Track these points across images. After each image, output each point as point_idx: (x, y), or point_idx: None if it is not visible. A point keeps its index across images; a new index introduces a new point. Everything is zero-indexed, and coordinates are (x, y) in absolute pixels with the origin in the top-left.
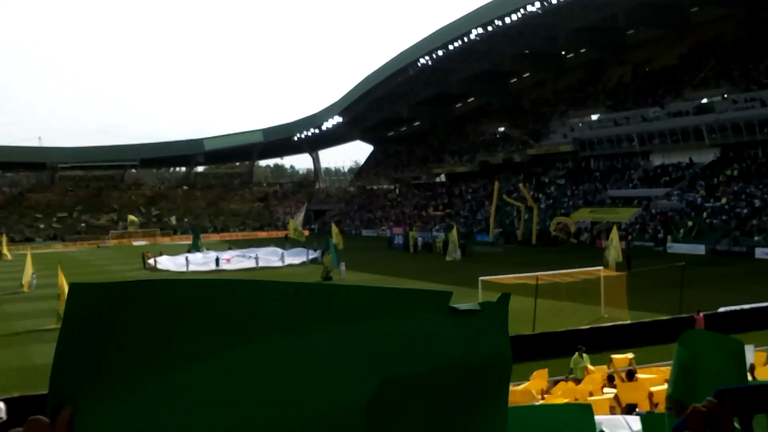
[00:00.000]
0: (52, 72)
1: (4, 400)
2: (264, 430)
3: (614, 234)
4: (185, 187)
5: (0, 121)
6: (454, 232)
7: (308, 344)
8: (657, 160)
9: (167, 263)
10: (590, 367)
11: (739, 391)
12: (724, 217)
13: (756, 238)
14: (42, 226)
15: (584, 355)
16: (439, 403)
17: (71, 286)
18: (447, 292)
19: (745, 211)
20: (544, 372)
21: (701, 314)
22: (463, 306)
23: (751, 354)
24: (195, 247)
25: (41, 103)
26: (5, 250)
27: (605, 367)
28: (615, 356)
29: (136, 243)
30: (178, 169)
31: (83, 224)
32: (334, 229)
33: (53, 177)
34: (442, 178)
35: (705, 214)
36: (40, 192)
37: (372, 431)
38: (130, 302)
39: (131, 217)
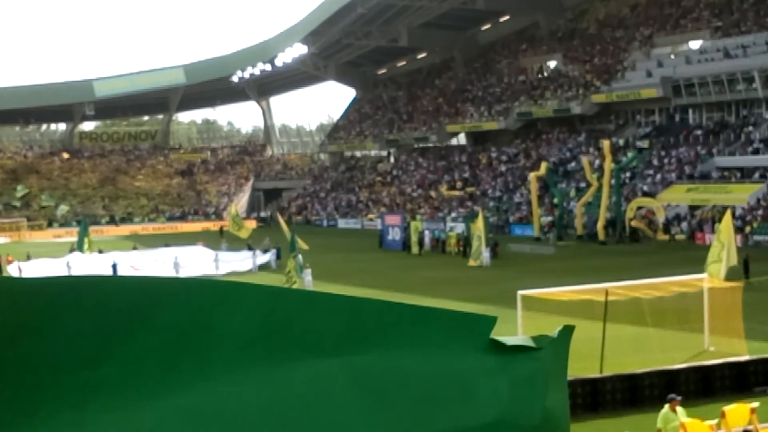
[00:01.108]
0: None
1: None
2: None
3: (726, 224)
4: (65, 155)
5: None
6: (480, 221)
7: (348, 369)
8: None
9: (39, 271)
10: (687, 423)
11: None
12: None
13: None
14: None
15: (678, 408)
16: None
17: None
18: (489, 318)
19: None
20: None
21: None
22: (511, 340)
23: None
24: (80, 247)
25: None
26: None
27: (712, 424)
28: (727, 408)
29: None
30: (54, 126)
31: None
32: (281, 222)
33: None
34: (461, 139)
35: None
36: None
37: None
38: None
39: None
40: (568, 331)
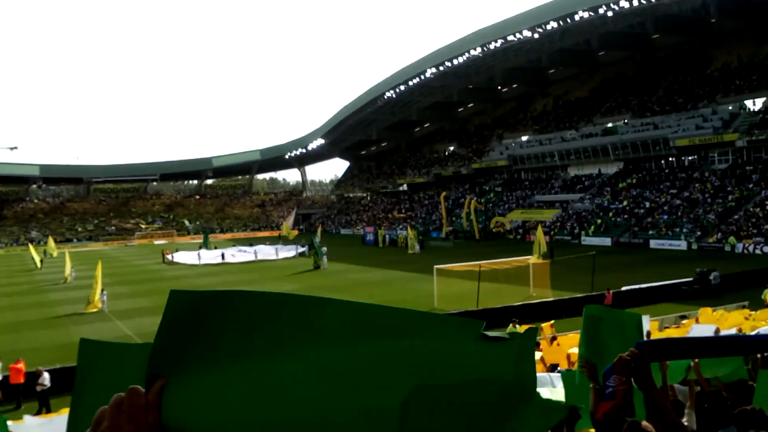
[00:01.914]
0: (90, 105)
1: (49, 371)
2: (314, 417)
3: (539, 231)
4: (197, 197)
5: (46, 143)
6: (409, 230)
7: (356, 353)
8: (573, 172)
9: (183, 258)
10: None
11: (654, 344)
12: (625, 216)
13: (650, 232)
14: (79, 229)
15: (517, 326)
16: (463, 414)
17: (172, 292)
18: (479, 321)
19: (642, 211)
20: None
21: (610, 292)
22: (492, 333)
23: (647, 323)
24: (205, 245)
25: (79, 128)
26: (52, 249)
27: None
28: (543, 324)
29: (156, 242)
30: (191, 181)
31: (113, 227)
32: (319, 229)
33: (89, 189)
34: (405, 187)
35: (611, 214)
36: (78, 202)
37: (402, 429)
38: (215, 307)
39: (141, 223)
40: (533, 331)
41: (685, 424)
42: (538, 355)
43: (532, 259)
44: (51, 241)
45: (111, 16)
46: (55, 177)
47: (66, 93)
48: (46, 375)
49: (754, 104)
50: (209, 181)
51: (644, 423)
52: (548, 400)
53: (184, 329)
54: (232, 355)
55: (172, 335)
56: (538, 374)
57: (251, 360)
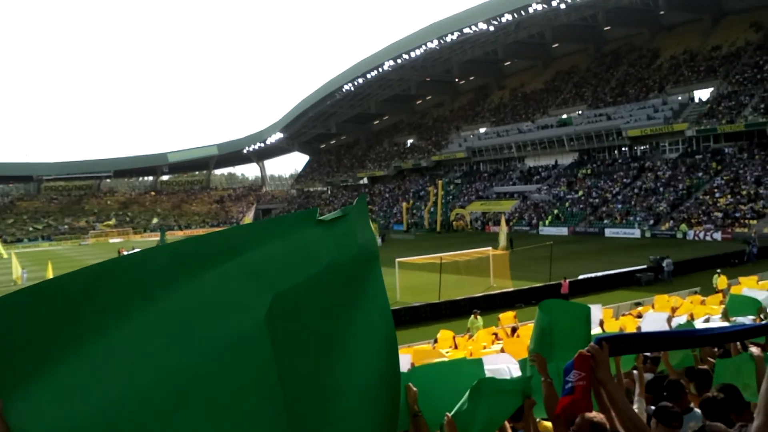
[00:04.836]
0: (38, 98)
1: None
2: (186, 366)
3: (503, 222)
4: (153, 193)
5: None
6: (373, 225)
7: (204, 284)
8: (530, 163)
9: None
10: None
11: (612, 339)
12: (581, 206)
13: (605, 221)
14: (30, 228)
15: (479, 316)
16: (326, 301)
17: None
18: (313, 209)
19: (597, 200)
20: (450, 333)
21: (566, 280)
22: (328, 216)
23: (600, 312)
24: (162, 243)
25: (27, 124)
26: (1, 251)
27: (494, 327)
28: (501, 315)
29: (111, 240)
30: (146, 178)
31: (66, 226)
32: None
33: (39, 187)
34: (365, 180)
35: (567, 204)
36: (28, 200)
37: (274, 340)
38: (24, 307)
39: (108, 222)
40: (362, 198)
41: (635, 409)
42: (498, 346)
43: (492, 250)
44: None
45: (57, 7)
46: (2, 175)
47: (12, 87)
48: None
49: (698, 96)
50: (165, 177)
51: (597, 416)
52: (506, 383)
53: (4, 341)
54: (62, 347)
55: (15, 345)
56: (496, 366)
57: (86, 344)
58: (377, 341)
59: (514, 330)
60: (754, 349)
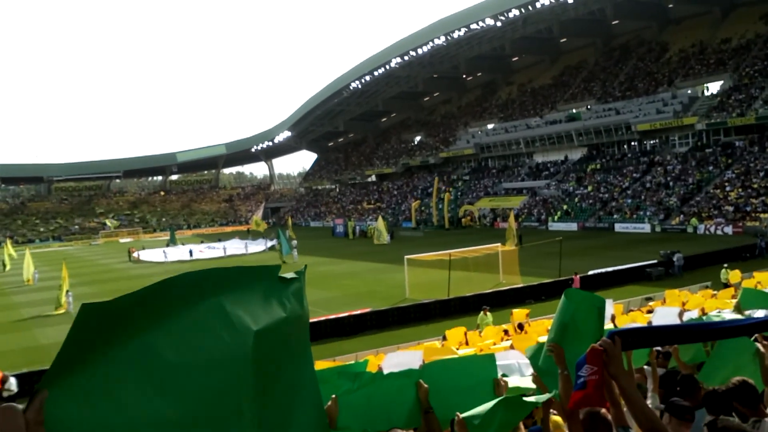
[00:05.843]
0: (48, 101)
1: (15, 376)
2: (190, 382)
3: (511, 219)
4: (162, 193)
5: (3, 142)
6: (380, 221)
7: (204, 311)
8: (539, 158)
9: (149, 256)
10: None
11: (625, 333)
12: (590, 201)
13: (615, 217)
14: (42, 229)
15: (488, 313)
16: (289, 341)
17: (82, 306)
18: (276, 266)
19: (606, 195)
20: (461, 329)
21: (577, 276)
22: (287, 275)
23: (611, 307)
24: (172, 242)
25: (37, 126)
26: (11, 251)
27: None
28: (515, 310)
29: (122, 240)
30: (155, 178)
31: (76, 226)
32: (290, 221)
33: (50, 188)
34: (373, 178)
35: (576, 199)
36: (39, 201)
37: (257, 369)
38: (120, 313)
39: (109, 221)
40: (303, 269)
41: (649, 404)
42: (507, 343)
43: (501, 246)
44: (8, 244)
45: (66, 11)
46: (14, 177)
47: (22, 90)
48: (12, 380)
49: (708, 89)
50: (174, 177)
51: (602, 411)
52: (516, 395)
53: (86, 340)
54: (106, 359)
55: (74, 347)
56: (507, 362)
57: (131, 352)
58: (306, 397)
59: (521, 326)
60: (760, 346)
